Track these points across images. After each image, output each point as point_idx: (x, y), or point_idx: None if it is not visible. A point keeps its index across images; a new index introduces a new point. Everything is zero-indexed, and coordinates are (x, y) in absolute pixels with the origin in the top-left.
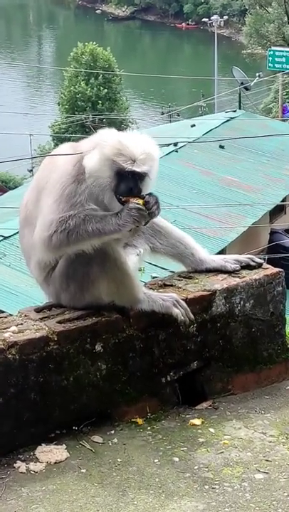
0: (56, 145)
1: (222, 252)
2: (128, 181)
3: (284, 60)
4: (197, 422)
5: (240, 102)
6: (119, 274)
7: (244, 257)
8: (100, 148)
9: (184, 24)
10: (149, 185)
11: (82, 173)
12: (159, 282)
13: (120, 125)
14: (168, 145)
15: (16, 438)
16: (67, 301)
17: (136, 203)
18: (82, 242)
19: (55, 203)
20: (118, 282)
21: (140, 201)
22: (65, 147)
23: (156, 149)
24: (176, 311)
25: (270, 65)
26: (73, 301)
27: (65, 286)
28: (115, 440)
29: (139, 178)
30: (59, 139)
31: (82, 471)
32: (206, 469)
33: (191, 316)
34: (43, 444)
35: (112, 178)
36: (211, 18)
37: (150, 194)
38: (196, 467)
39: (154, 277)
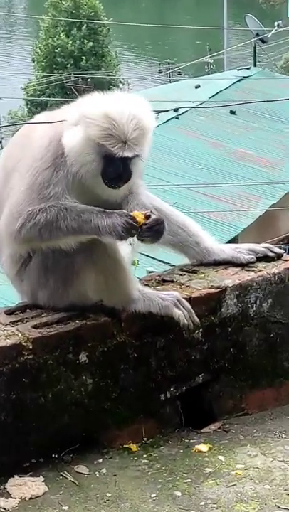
0: (30, 110)
1: (234, 240)
2: (117, 166)
3: None
4: (204, 448)
5: (254, 57)
6: (110, 265)
7: (260, 247)
8: (83, 126)
9: None
10: (142, 164)
11: (61, 155)
12: (157, 278)
13: (108, 86)
14: (167, 110)
15: None
16: (46, 300)
17: (132, 219)
18: (55, 239)
19: (26, 191)
20: (108, 275)
21: (140, 215)
22: (42, 118)
23: (151, 117)
24: (178, 313)
25: None
26: (53, 299)
27: (43, 280)
28: (104, 471)
29: (130, 160)
30: (34, 104)
31: (63, 508)
32: (215, 506)
33: (196, 319)
34: (15, 476)
35: (99, 162)
36: None
37: (158, 220)
38: (202, 503)
39: (150, 272)
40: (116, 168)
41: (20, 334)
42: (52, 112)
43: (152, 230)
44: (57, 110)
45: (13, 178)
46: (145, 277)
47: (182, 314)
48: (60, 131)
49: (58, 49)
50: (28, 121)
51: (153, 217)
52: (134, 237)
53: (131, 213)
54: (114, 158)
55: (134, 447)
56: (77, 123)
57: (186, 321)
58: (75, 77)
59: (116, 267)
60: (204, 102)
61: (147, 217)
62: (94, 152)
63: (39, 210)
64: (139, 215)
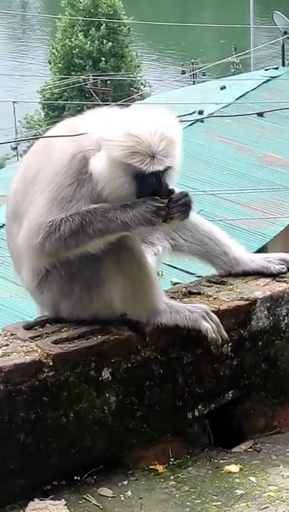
0: (47, 114)
1: (263, 249)
2: (150, 183)
3: None
4: (234, 468)
5: (283, 56)
6: (137, 272)
7: None
8: (105, 149)
9: None
10: (176, 175)
11: (85, 172)
12: (183, 290)
13: (129, 88)
14: (191, 113)
15: (0, 492)
16: (69, 311)
17: (154, 200)
18: (82, 246)
19: (46, 205)
20: (134, 283)
21: (165, 198)
22: (62, 128)
23: (176, 126)
24: (206, 325)
25: None
26: (77, 308)
27: (67, 289)
28: (129, 493)
29: (162, 173)
30: (51, 107)
31: None
32: None
33: (225, 333)
34: (36, 500)
35: (130, 184)
36: None
37: (182, 193)
38: None
39: (175, 283)
40: (150, 186)
41: (39, 350)
42: (73, 121)
43: (180, 204)
44: (78, 118)
45: (34, 190)
46: (170, 289)
47: (210, 327)
48: (82, 145)
49: (76, 50)
50: (48, 132)
51: (176, 191)
52: (160, 247)
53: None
54: (145, 175)
55: (160, 468)
56: (99, 147)
57: (214, 335)
58: (94, 79)
59: (142, 274)
60: (230, 104)
61: (171, 196)
62: (123, 174)
63: (61, 221)
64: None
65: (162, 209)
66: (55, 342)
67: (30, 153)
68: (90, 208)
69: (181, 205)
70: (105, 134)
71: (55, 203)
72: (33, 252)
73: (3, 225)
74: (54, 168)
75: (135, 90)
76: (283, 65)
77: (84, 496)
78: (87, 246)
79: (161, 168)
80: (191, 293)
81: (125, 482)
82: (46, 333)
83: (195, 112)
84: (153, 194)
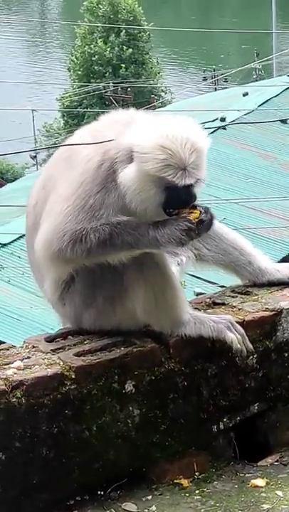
0: (66, 122)
1: (287, 258)
2: (180, 195)
3: None
4: (260, 482)
5: None
6: (161, 281)
7: None
8: (137, 161)
9: None
10: (202, 186)
11: (112, 180)
12: (207, 300)
13: (150, 95)
14: (213, 120)
15: (22, 507)
16: (91, 321)
17: (187, 221)
18: (105, 255)
19: (74, 212)
20: (158, 293)
21: (193, 215)
22: (85, 135)
23: (204, 137)
24: (231, 336)
25: None
26: (100, 319)
27: (89, 300)
28: (153, 508)
29: (192, 186)
30: (70, 115)
31: None
32: None
33: (250, 345)
34: None
35: (161, 196)
36: None
37: (206, 210)
38: None
39: (198, 294)
40: (180, 198)
41: (61, 363)
42: (93, 128)
43: (206, 223)
44: (98, 124)
45: (55, 195)
46: (194, 300)
47: (235, 338)
48: (108, 154)
49: (96, 57)
50: (67, 141)
51: (202, 210)
52: (183, 257)
53: (185, 216)
54: (177, 188)
55: (185, 482)
56: (128, 156)
57: (239, 346)
58: (114, 86)
59: (166, 284)
60: (253, 110)
61: (200, 215)
62: (154, 187)
63: (90, 229)
64: (192, 215)
65: (194, 230)
66: (78, 354)
67: (50, 164)
68: (121, 220)
69: (208, 224)
70: (136, 145)
71: (83, 210)
72: (52, 256)
73: (23, 235)
74: (80, 177)
75: (156, 97)
76: None
77: (107, 511)
78: (111, 257)
79: (192, 181)
80: (215, 303)
81: (149, 497)
82: (68, 345)
83: (217, 119)
84: (182, 206)
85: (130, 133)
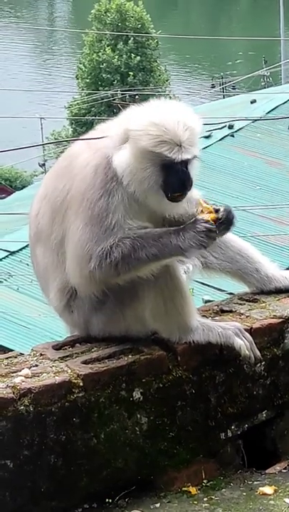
0: (74, 130)
1: None
2: (178, 172)
3: None
4: (268, 490)
5: None
6: (171, 287)
7: None
8: (132, 141)
9: None
10: (197, 166)
11: (111, 180)
12: (215, 308)
13: None
14: (221, 128)
15: None
16: (100, 327)
17: (205, 222)
18: (134, 271)
19: (86, 227)
20: (167, 298)
21: (210, 216)
22: (81, 147)
23: (197, 118)
24: (240, 342)
25: None
26: (109, 324)
27: (99, 304)
28: None
29: (187, 164)
30: (78, 123)
31: None
32: None
33: (258, 353)
34: None
35: (158, 174)
36: None
37: (225, 209)
38: None
39: (206, 301)
40: (178, 175)
41: (69, 370)
42: (90, 140)
43: (226, 223)
44: (93, 132)
45: (68, 213)
46: (202, 307)
47: (244, 344)
48: (103, 155)
49: (104, 64)
50: (68, 150)
51: (221, 209)
52: (190, 265)
53: (203, 219)
54: (174, 163)
55: (193, 490)
56: (123, 141)
57: (247, 352)
58: (122, 94)
59: (176, 290)
60: (261, 117)
61: (216, 211)
62: (151, 164)
63: (111, 247)
64: (210, 217)
65: (213, 231)
66: (85, 362)
67: (51, 173)
68: (140, 232)
69: (228, 224)
70: (131, 124)
71: (92, 221)
72: (84, 280)
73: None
74: (80, 186)
75: None
76: None
77: None
78: (140, 271)
79: (189, 156)
80: (223, 311)
81: (158, 505)
82: (76, 353)
83: (225, 127)
84: (181, 186)
85: (127, 119)
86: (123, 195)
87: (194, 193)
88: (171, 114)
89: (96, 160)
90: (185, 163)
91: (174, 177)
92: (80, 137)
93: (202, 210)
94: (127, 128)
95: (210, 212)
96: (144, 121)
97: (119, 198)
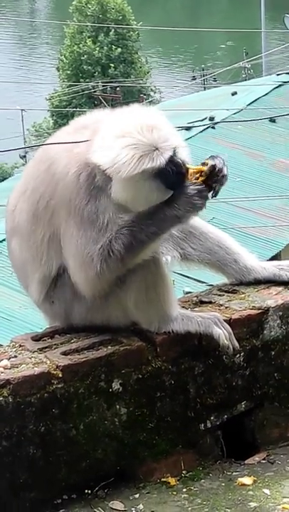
0: (56, 122)
1: (276, 257)
2: (169, 171)
3: None
4: (247, 480)
5: None
6: (154, 275)
7: None
8: (115, 176)
9: None
10: (185, 149)
11: (96, 188)
12: (194, 299)
13: (139, 94)
14: (202, 119)
15: (9, 506)
16: (82, 315)
17: (193, 184)
18: (138, 255)
19: (79, 232)
20: (150, 286)
21: (200, 178)
22: (59, 149)
23: (156, 113)
24: (218, 331)
25: None
26: (90, 312)
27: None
28: (141, 506)
29: (174, 156)
30: (59, 115)
31: None
32: None
33: (236, 343)
34: None
35: (156, 184)
36: None
37: (212, 157)
38: None
39: (187, 293)
40: (171, 173)
41: (48, 362)
42: (65, 134)
43: (217, 177)
44: (67, 130)
45: (53, 221)
46: (181, 298)
47: (222, 334)
48: (84, 162)
49: (84, 56)
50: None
51: (210, 163)
52: (169, 256)
53: (192, 182)
54: (162, 168)
55: (172, 481)
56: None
57: (226, 342)
58: (103, 85)
59: (159, 278)
60: (242, 109)
61: (203, 164)
62: (146, 183)
63: (110, 241)
64: (197, 173)
65: (203, 190)
66: (65, 353)
67: (31, 170)
68: (133, 217)
69: (221, 178)
70: (104, 163)
71: (84, 226)
72: (92, 283)
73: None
74: (64, 194)
75: (145, 97)
76: None
77: (95, 510)
78: (145, 253)
79: (170, 153)
80: (202, 302)
81: (137, 495)
82: (55, 344)
83: (206, 119)
84: (179, 176)
85: (95, 145)
86: (110, 197)
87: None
88: (131, 126)
89: (76, 167)
90: (171, 159)
91: (169, 176)
92: (60, 129)
93: (190, 173)
94: (101, 166)
95: (198, 171)
96: (113, 152)
97: (106, 199)
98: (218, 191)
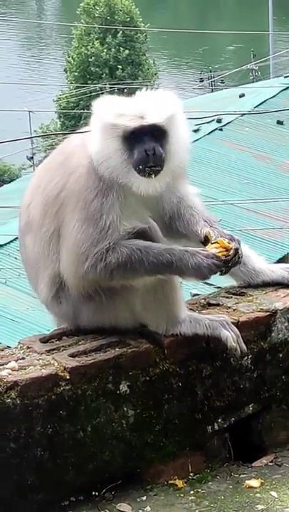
0: (63, 124)
1: (283, 259)
2: (140, 145)
3: None
4: (255, 483)
5: None
6: (162, 277)
7: None
8: (96, 124)
9: None
10: (177, 149)
11: (105, 180)
12: (202, 301)
13: None
14: (210, 121)
15: (17, 507)
16: (90, 318)
17: (215, 258)
18: (128, 280)
19: (82, 227)
20: (158, 288)
21: (221, 252)
22: (77, 143)
23: (175, 100)
24: (226, 333)
25: None
26: (98, 314)
27: (89, 294)
28: (148, 509)
29: (156, 137)
30: (67, 117)
31: None
32: None
33: (244, 346)
34: None
35: (122, 148)
36: None
37: (232, 238)
38: None
39: (194, 295)
40: (141, 146)
41: (56, 363)
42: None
43: (232, 263)
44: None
45: (62, 212)
46: (189, 300)
47: (230, 336)
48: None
49: (92, 58)
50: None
51: (233, 248)
52: None
53: (213, 251)
54: (134, 134)
55: (180, 483)
56: (93, 128)
57: (234, 344)
58: (111, 87)
59: (167, 280)
60: (249, 111)
61: (230, 248)
62: (114, 139)
63: (107, 250)
64: (221, 251)
65: (218, 268)
66: (72, 355)
67: (45, 165)
68: (140, 244)
69: (234, 263)
70: (95, 110)
71: (87, 222)
72: (78, 279)
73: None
74: (74, 186)
75: None
76: None
77: None
78: (134, 281)
79: (147, 122)
80: (210, 304)
81: (144, 497)
82: (63, 346)
83: (213, 121)
84: (144, 156)
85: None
86: (118, 192)
87: (185, 185)
88: (140, 96)
89: (87, 161)
90: (151, 133)
91: (138, 148)
92: (71, 136)
93: (217, 242)
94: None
95: (223, 247)
96: (106, 101)
97: (114, 197)
98: (228, 271)
